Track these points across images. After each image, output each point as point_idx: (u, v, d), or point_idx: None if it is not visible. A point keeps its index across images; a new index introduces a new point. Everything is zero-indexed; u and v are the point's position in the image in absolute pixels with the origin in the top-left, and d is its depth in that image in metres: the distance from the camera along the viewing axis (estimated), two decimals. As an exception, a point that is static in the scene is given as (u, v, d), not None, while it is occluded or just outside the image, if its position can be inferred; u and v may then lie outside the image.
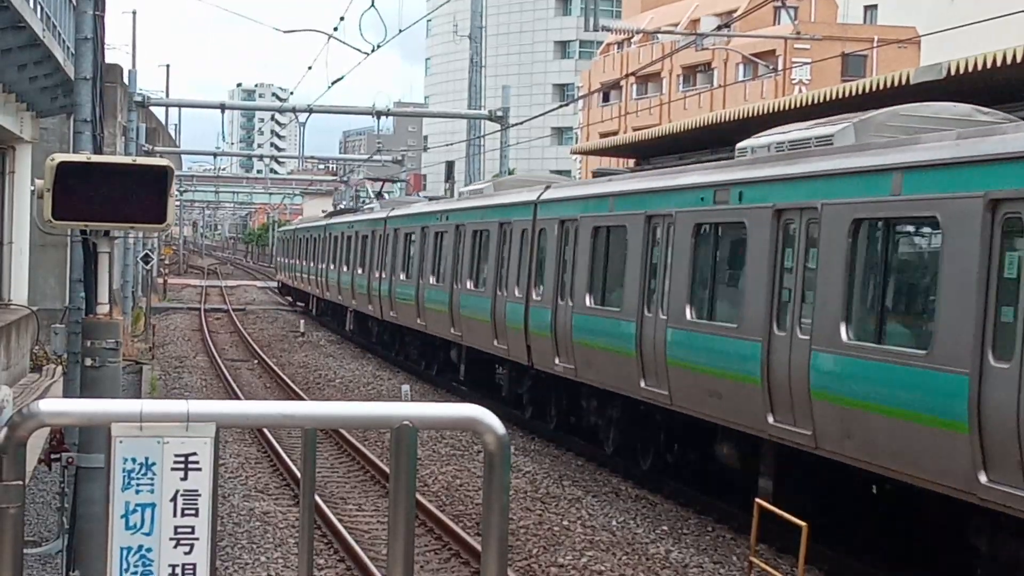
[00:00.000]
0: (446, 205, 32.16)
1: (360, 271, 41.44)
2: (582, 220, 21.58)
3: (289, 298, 68.78)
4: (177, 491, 4.20)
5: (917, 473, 12.58)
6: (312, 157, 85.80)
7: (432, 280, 31.09)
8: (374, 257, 39.21)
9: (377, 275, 38.16)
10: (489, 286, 26.16)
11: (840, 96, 21.29)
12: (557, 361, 22.15)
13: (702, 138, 26.56)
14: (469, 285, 27.71)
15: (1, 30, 22.26)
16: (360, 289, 41.22)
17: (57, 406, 4.21)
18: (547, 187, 24.55)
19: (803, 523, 12.73)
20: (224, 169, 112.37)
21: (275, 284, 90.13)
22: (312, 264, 54.33)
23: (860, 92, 20.65)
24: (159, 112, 67.80)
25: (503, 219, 25.84)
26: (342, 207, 66.32)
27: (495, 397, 28.00)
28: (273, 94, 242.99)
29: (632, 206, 19.57)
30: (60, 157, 8.50)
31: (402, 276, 34.73)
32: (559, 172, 76.24)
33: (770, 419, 15.12)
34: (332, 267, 48.03)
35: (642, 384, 18.54)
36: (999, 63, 17.31)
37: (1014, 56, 17.04)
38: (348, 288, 43.75)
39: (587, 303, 20.97)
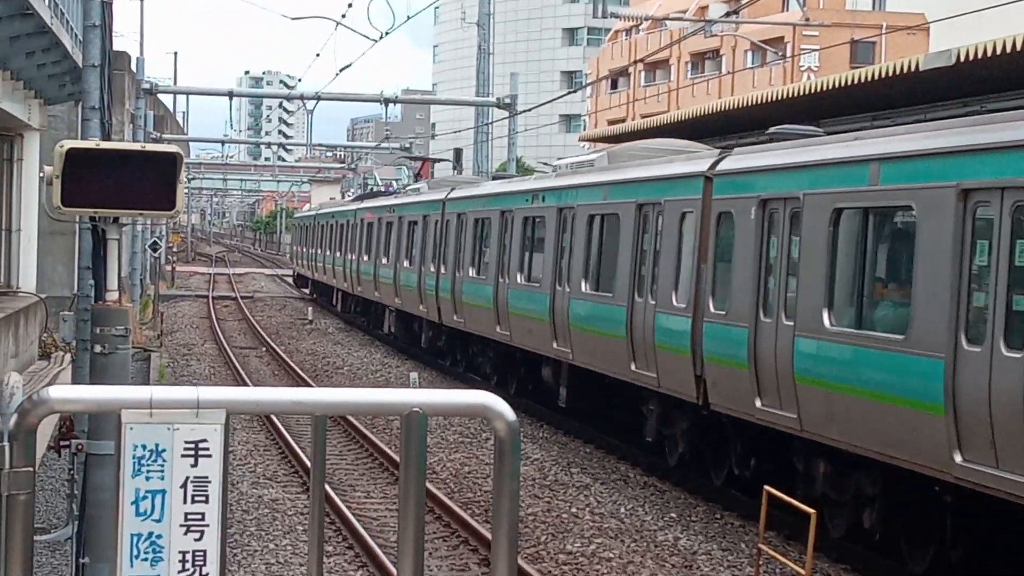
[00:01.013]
0: (541, 183, 25.52)
1: (407, 264, 35.22)
2: (807, 199, 15.14)
3: (306, 290, 63.64)
4: (187, 478, 4.20)
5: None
6: (320, 144, 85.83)
7: (520, 279, 25.09)
8: (427, 248, 32.82)
9: (432, 270, 31.92)
10: (620, 291, 20.09)
11: (849, 83, 21.23)
12: (760, 403, 15.81)
13: (711, 125, 26.50)
14: (584, 287, 21.79)
15: (9, 17, 22.25)
16: (407, 286, 34.90)
17: (67, 393, 4.21)
18: (722, 154, 18.05)
19: (812, 511, 12.73)
20: (232, 157, 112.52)
21: (283, 272, 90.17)
22: (339, 254, 48.61)
23: (869, 79, 20.59)
24: (167, 99, 67.87)
25: (645, 200, 19.69)
26: (376, 189, 65.35)
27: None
28: (281, 81, 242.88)
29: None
30: (69, 144, 8.49)
31: (471, 272, 28.55)
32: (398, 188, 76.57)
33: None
34: (366, 258, 41.76)
35: None
36: (1009, 49, 17.24)
37: (1024, 42, 16.96)
38: (389, 284, 37.34)
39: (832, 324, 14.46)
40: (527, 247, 25.16)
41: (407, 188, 42.18)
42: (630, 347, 19.40)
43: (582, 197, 22.29)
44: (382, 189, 61.94)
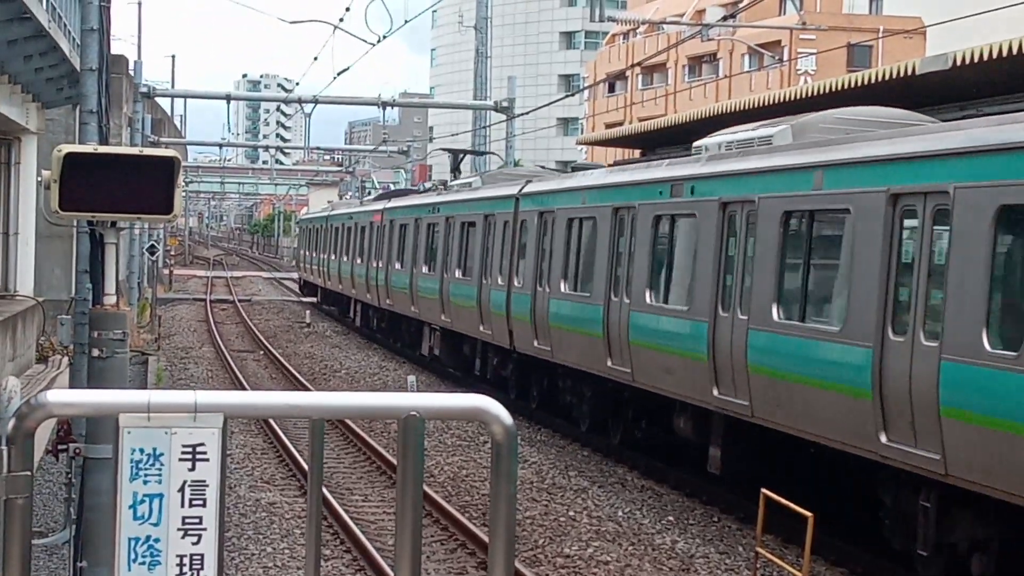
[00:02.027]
0: (685, 169, 18.61)
1: (459, 274, 29.46)
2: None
3: (314, 299, 57.97)
4: (185, 482, 4.20)
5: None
6: (318, 148, 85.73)
7: (650, 298, 19.14)
8: (490, 256, 27.07)
9: (500, 282, 26.04)
10: (862, 323, 13.79)
11: (846, 87, 21.26)
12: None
13: (707, 129, 26.51)
14: (777, 314, 15.49)
15: (7, 21, 22.26)
16: (460, 301, 29.07)
17: (65, 397, 4.22)
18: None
19: (809, 513, 12.75)
20: (230, 160, 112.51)
21: (281, 276, 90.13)
22: (359, 261, 42.80)
23: (866, 83, 20.62)
24: (165, 103, 67.83)
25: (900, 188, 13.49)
26: (376, 191, 63.82)
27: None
28: (279, 85, 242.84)
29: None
30: (67, 148, 8.50)
31: (563, 287, 22.71)
32: (565, 163, 76.18)
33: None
34: (398, 266, 35.93)
35: None
36: (1005, 53, 17.27)
37: (1020, 46, 17.00)
38: (432, 298, 31.44)
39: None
40: (663, 255, 19.16)
41: (451, 184, 35.14)
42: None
43: (762, 186, 16.16)
44: (413, 187, 56.09)
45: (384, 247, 38.36)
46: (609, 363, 20.38)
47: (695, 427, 18.18)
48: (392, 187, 72.00)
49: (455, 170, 45.81)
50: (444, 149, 41.68)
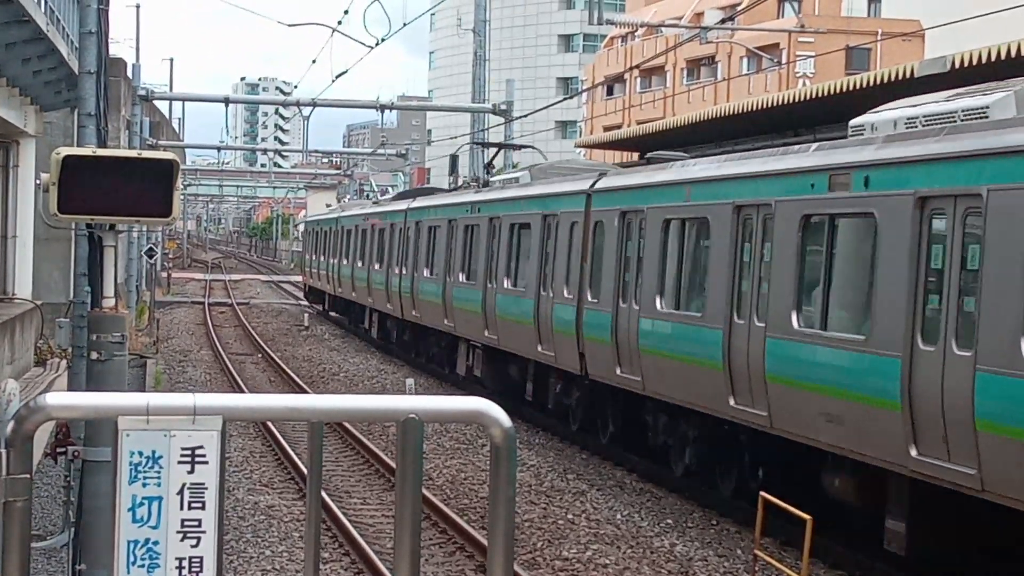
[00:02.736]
0: (831, 156, 14.83)
1: (507, 283, 25.45)
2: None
3: (319, 306, 55.39)
4: (184, 484, 4.20)
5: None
6: (316, 151, 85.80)
7: (798, 321, 15.01)
8: (552, 264, 22.93)
9: (568, 296, 22.02)
10: None
11: (844, 89, 21.28)
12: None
13: (707, 132, 26.54)
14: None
15: (5, 24, 22.26)
16: (510, 315, 25.05)
17: (64, 399, 4.21)
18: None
19: (807, 516, 12.74)
20: (228, 163, 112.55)
21: (279, 279, 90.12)
22: (376, 267, 38.61)
23: (865, 85, 20.63)
24: (163, 106, 67.84)
25: None
26: (373, 195, 62.35)
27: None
28: (277, 88, 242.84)
29: None
30: (66, 151, 8.51)
31: (660, 305, 18.80)
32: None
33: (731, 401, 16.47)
34: (427, 274, 31.83)
35: None
36: (1003, 56, 17.29)
37: (1019, 49, 17.02)
38: (473, 312, 27.32)
39: None
40: (817, 266, 14.94)
41: (493, 181, 30.93)
42: None
43: (997, 173, 12.16)
44: (424, 186, 51.56)
45: (408, 252, 34.13)
46: (732, 402, 16.06)
47: (863, 489, 14.31)
48: (391, 190, 71.93)
49: (453, 173, 45.37)
50: (477, 143, 36.80)
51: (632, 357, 19.35)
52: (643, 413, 20.06)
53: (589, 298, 21.07)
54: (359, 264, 41.88)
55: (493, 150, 32.14)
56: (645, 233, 19.16)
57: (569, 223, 22.20)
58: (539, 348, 23.25)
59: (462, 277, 28.59)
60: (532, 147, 37.22)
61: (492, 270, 26.28)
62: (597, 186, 21.49)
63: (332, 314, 52.30)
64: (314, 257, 54.76)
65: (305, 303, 61.21)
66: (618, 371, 19.81)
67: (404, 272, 34.38)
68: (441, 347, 32.23)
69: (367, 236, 40.92)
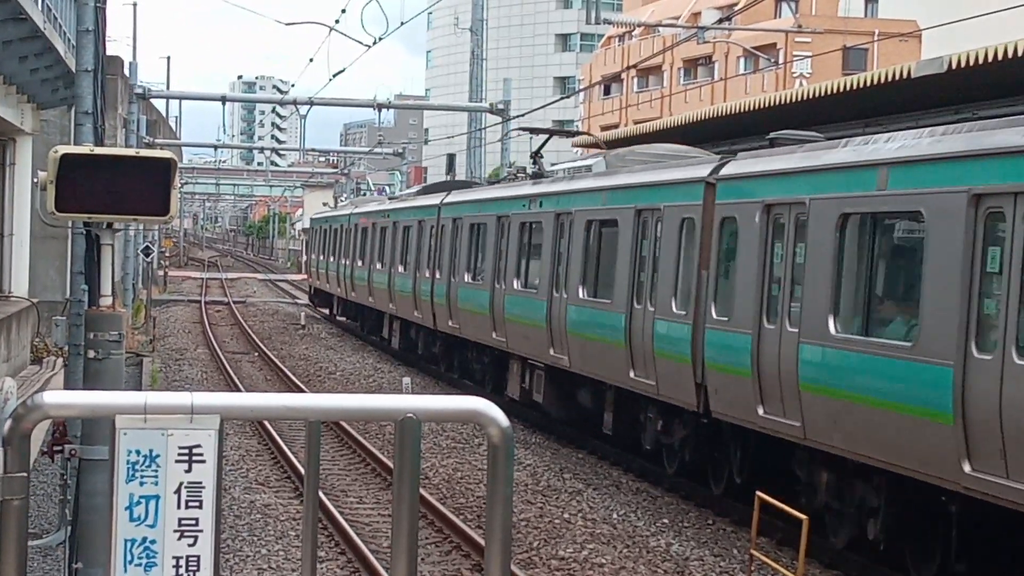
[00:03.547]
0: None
1: (581, 293, 21.24)
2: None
3: (326, 310, 52.18)
4: (181, 483, 4.21)
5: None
6: (313, 150, 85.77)
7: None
8: (661, 271, 18.35)
9: (678, 312, 17.70)
10: None
11: (841, 90, 21.29)
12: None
13: (703, 131, 26.55)
14: None
15: (2, 22, 22.25)
16: (591, 331, 20.66)
17: (61, 398, 4.22)
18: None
19: (804, 516, 12.75)
20: (225, 161, 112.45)
21: (276, 277, 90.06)
22: (400, 270, 34.49)
23: (861, 85, 20.64)
24: (160, 104, 67.81)
25: None
26: (370, 193, 60.73)
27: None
28: (274, 86, 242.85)
29: None
30: (63, 149, 8.51)
31: (834, 326, 14.11)
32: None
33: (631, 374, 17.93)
34: (467, 278, 27.82)
35: None
36: (1000, 57, 17.29)
37: (1016, 49, 17.03)
38: (534, 326, 23.07)
39: None
40: None
41: (555, 170, 25.77)
42: None
43: None
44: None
45: (443, 253, 29.96)
46: (969, 468, 11.85)
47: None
48: (388, 189, 71.87)
49: (450, 172, 45.06)
50: (523, 129, 33.98)
51: (786, 396, 14.73)
52: (794, 465, 15.56)
53: (714, 315, 16.57)
54: (378, 266, 37.67)
55: (542, 137, 27.33)
56: (808, 232, 14.65)
57: (678, 220, 17.82)
58: (630, 374, 18.92)
59: (517, 284, 24.42)
60: (589, 134, 32.56)
61: (560, 276, 22.11)
62: (724, 172, 16.97)
63: (341, 319, 49.16)
64: (321, 257, 50.53)
65: (303, 302, 61.14)
66: (760, 411, 15.24)
67: (438, 276, 30.10)
68: (485, 364, 28.03)
69: (387, 235, 36.77)
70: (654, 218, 18.75)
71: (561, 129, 32.65)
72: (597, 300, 20.58)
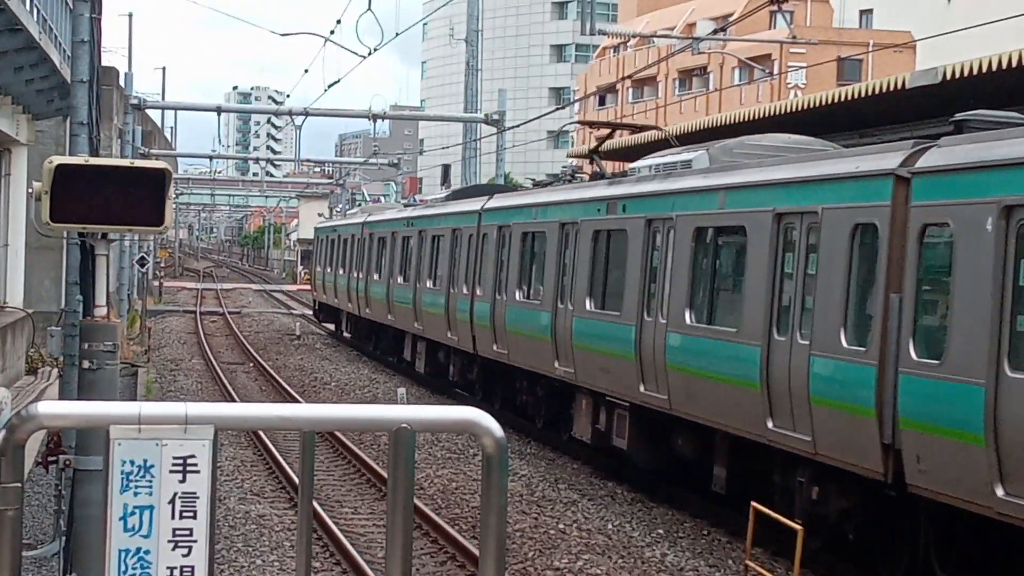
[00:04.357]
0: None
1: (684, 318, 17.22)
2: None
3: (332, 326, 48.50)
4: (175, 493, 4.21)
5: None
6: (308, 160, 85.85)
7: None
8: (804, 298, 14.75)
9: (841, 341, 13.82)
10: None
11: (836, 100, 21.33)
12: None
13: (697, 142, 26.56)
14: None
15: (-3, 33, 22.27)
16: (698, 367, 16.83)
17: (56, 408, 4.22)
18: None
19: (798, 526, 12.75)
20: (220, 172, 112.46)
21: (271, 288, 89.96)
22: (428, 286, 30.68)
23: (856, 96, 20.68)
24: (155, 115, 67.84)
25: None
26: (365, 204, 59.72)
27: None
28: (269, 97, 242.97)
29: None
30: (58, 159, 8.51)
31: None
32: (554, 176, 76.13)
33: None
34: (521, 297, 23.88)
35: None
36: (995, 67, 17.33)
37: (1010, 60, 17.06)
38: (618, 357, 19.15)
39: None
40: None
41: (640, 167, 20.81)
42: None
43: None
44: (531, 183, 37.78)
45: (484, 267, 26.29)
46: None
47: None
48: (383, 200, 71.80)
49: (444, 182, 44.78)
50: (581, 122, 29.15)
51: (1003, 457, 11.44)
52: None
53: (914, 355, 12.64)
54: (399, 280, 33.80)
55: (603, 133, 23.06)
56: None
57: (846, 226, 13.89)
58: (768, 423, 14.92)
59: (590, 304, 20.48)
60: (657, 127, 27.64)
61: (654, 297, 18.26)
62: (927, 163, 12.95)
63: (347, 335, 45.82)
64: (328, 270, 46.19)
65: (298, 312, 61.07)
66: (1000, 492, 11.42)
67: (479, 293, 26.26)
68: (538, 397, 23.92)
69: (410, 245, 32.98)
70: (804, 224, 14.64)
71: (621, 123, 28.81)
72: (712, 328, 16.58)
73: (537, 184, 29.09)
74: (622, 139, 33.58)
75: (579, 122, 30.15)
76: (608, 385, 19.67)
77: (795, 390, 14.36)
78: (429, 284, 30.54)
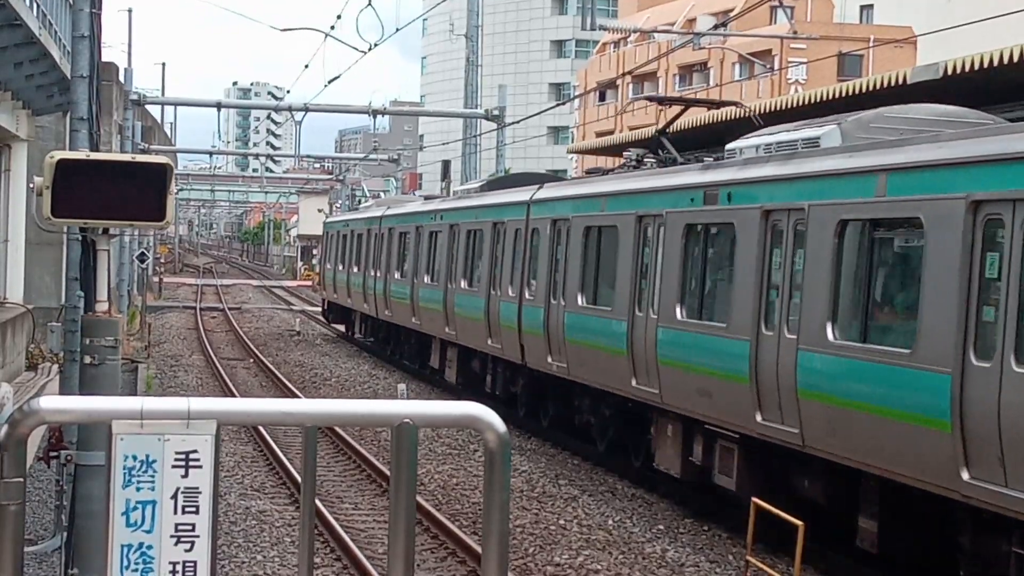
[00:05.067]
0: None
1: (827, 334, 13.74)
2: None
3: (342, 327, 46.15)
4: (178, 488, 4.20)
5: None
6: (308, 156, 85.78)
7: None
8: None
9: None
10: None
11: (836, 96, 21.29)
12: None
13: (697, 137, 26.56)
14: None
15: (-3, 28, 22.26)
16: (853, 396, 13.29)
17: (58, 403, 4.21)
18: None
19: (799, 522, 12.74)
20: (220, 168, 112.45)
21: (270, 284, 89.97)
22: (462, 285, 27.79)
23: (856, 92, 20.66)
24: (155, 110, 67.82)
25: None
26: (365, 201, 58.72)
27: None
28: (269, 93, 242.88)
29: None
30: (59, 154, 8.51)
31: None
32: (554, 171, 76.30)
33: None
34: (583, 302, 20.83)
35: None
36: (996, 63, 17.32)
37: (1011, 56, 17.05)
38: (718, 380, 16.05)
39: None
40: None
41: (738, 148, 17.31)
42: None
43: None
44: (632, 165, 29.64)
45: (535, 266, 23.30)
46: None
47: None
48: (383, 195, 71.75)
49: (444, 178, 44.60)
50: (648, 98, 25.75)
51: None
52: None
53: None
54: (426, 280, 30.72)
55: (673, 111, 21.62)
56: None
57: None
58: (963, 475, 11.49)
59: (681, 313, 17.26)
60: (736, 103, 24.58)
61: (774, 308, 15.05)
62: None
63: (357, 336, 43.47)
64: (340, 267, 43.32)
65: (298, 308, 61.06)
66: None
67: (528, 297, 23.34)
68: (605, 419, 21.10)
69: (438, 241, 30.15)
70: (1018, 217, 11.13)
71: (695, 99, 25.50)
72: (868, 347, 13.20)
73: (589, 172, 26.01)
74: (623, 135, 33.41)
75: (649, 98, 25.67)
76: (708, 412, 16.27)
77: (990, 427, 11.21)
78: (464, 285, 27.56)
